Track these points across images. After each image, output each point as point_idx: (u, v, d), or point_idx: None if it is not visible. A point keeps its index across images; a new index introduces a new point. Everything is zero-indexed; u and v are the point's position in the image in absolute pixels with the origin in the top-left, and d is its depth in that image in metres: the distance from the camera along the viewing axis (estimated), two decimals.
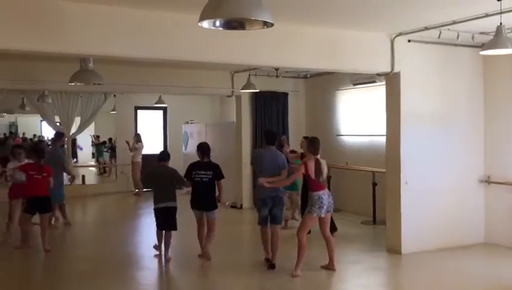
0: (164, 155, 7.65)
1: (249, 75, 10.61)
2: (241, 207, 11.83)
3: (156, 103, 14.61)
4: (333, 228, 8.45)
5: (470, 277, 6.63)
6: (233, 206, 11.93)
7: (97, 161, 19.85)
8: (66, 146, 13.49)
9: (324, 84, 11.77)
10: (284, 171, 6.87)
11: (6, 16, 5.14)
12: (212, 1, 3.12)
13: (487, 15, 5.88)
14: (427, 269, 6.90)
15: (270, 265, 6.85)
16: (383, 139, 7.95)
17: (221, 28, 3.42)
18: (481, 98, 8.10)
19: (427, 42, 7.39)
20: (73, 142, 16.89)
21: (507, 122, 7.84)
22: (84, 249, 8.59)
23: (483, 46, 6.04)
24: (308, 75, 12.12)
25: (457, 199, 7.90)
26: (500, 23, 5.48)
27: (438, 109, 7.79)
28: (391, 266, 7.40)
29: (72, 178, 12.79)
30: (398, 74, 7.46)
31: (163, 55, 6.16)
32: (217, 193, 7.23)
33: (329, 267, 6.73)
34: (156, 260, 7.52)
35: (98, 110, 14.46)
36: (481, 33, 6.88)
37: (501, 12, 5.41)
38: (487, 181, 8.06)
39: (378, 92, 9.16)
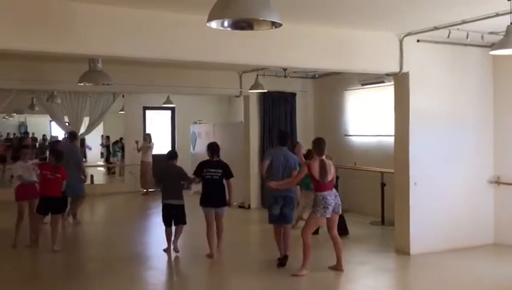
0: (172, 154, 7.98)
1: (257, 75, 10.61)
2: (249, 207, 11.83)
3: (164, 103, 14.65)
4: (344, 231, 8.42)
5: (480, 278, 6.59)
6: (241, 206, 11.92)
7: (106, 160, 19.93)
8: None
9: (332, 84, 11.75)
10: (295, 171, 6.87)
11: (13, 17, 5.16)
12: (221, 1, 3.12)
13: (497, 14, 5.84)
14: (435, 270, 6.86)
15: (284, 257, 6.87)
16: (392, 140, 7.92)
17: (229, 29, 3.41)
18: (491, 99, 8.05)
19: (436, 42, 7.35)
20: (82, 142, 16.95)
21: None
22: (93, 249, 8.65)
23: (493, 46, 5.99)
24: (317, 75, 12.10)
25: (466, 199, 7.85)
26: (511, 23, 5.43)
27: (447, 110, 7.74)
28: (399, 267, 7.37)
29: (85, 177, 12.84)
30: (406, 74, 7.42)
31: (171, 55, 6.18)
32: (227, 196, 7.39)
33: (337, 267, 6.71)
34: (164, 260, 7.54)
35: (106, 110, 14.49)
36: (491, 33, 6.83)
37: (511, 12, 5.38)
38: (497, 182, 8.00)
39: (386, 92, 9.13)
